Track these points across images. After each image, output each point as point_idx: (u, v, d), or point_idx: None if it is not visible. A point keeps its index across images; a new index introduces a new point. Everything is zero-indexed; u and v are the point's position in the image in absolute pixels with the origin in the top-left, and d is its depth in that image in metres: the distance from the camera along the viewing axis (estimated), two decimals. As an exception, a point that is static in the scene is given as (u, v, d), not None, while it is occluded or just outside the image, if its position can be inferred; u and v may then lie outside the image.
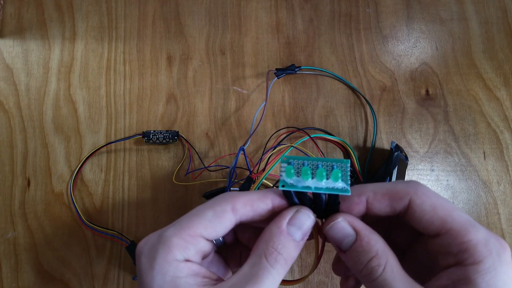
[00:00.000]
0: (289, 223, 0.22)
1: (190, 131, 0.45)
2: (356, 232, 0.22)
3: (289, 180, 0.22)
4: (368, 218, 0.24)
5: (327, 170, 0.22)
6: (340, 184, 0.22)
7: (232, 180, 0.40)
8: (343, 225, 0.22)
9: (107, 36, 0.48)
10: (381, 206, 0.23)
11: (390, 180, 0.40)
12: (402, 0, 0.50)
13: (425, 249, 0.24)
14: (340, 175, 0.22)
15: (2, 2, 0.48)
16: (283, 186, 0.22)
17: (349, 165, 0.22)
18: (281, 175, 0.22)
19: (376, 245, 0.22)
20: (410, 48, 0.49)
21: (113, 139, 0.45)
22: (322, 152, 0.43)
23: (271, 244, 0.22)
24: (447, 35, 0.49)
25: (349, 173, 0.22)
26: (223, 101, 0.46)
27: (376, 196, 0.23)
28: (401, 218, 0.23)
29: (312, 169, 0.22)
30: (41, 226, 0.42)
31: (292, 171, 0.22)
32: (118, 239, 0.42)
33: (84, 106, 0.45)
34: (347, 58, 0.48)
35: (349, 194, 0.22)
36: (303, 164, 0.22)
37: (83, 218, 0.42)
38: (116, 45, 0.47)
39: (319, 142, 0.45)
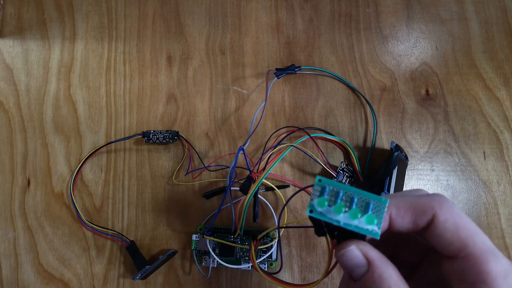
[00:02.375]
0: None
1: (190, 131, 0.45)
2: (369, 262, 0.21)
3: (319, 209, 0.21)
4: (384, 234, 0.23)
5: (361, 210, 0.21)
6: (371, 227, 0.21)
7: (232, 180, 0.40)
8: (355, 253, 0.21)
9: (107, 36, 0.48)
10: (404, 222, 0.21)
11: (390, 180, 0.40)
12: (402, 0, 0.50)
13: (437, 268, 0.23)
14: (375, 221, 0.20)
15: (2, 2, 0.48)
16: (311, 211, 0.21)
17: (387, 205, 0.21)
18: (312, 199, 0.21)
19: (389, 280, 0.20)
20: (410, 48, 0.49)
21: (113, 139, 0.45)
22: (322, 152, 0.43)
23: None
24: (447, 35, 0.49)
25: (383, 215, 0.21)
26: (223, 101, 0.46)
27: (399, 211, 0.21)
28: (418, 234, 0.22)
29: (346, 203, 0.21)
30: (41, 226, 0.42)
31: (326, 203, 0.21)
32: (118, 239, 0.42)
33: (84, 106, 0.45)
34: (347, 58, 0.48)
35: (378, 238, 0.21)
36: (338, 195, 0.21)
37: (83, 218, 0.42)
38: (116, 45, 0.47)
39: (319, 142, 0.45)
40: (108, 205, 0.43)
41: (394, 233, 0.22)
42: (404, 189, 0.41)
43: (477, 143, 0.46)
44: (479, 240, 0.20)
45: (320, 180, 0.21)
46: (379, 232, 0.21)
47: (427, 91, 0.47)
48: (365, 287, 0.21)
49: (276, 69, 0.45)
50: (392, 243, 0.25)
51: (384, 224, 0.21)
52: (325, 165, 0.42)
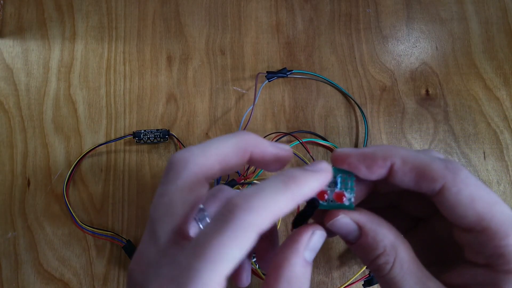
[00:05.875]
0: (306, 248, 0.19)
1: (190, 131, 0.45)
2: (360, 227, 0.20)
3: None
4: (382, 185, 0.21)
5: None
6: (345, 200, 0.21)
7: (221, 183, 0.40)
8: (345, 221, 0.20)
9: (107, 36, 0.48)
10: (405, 179, 0.19)
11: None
12: (402, 0, 0.50)
13: (447, 227, 0.21)
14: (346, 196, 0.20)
15: (2, 2, 0.48)
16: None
17: (353, 179, 0.20)
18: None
19: (384, 241, 0.19)
20: (410, 48, 0.49)
21: (113, 139, 0.45)
22: (313, 157, 0.43)
23: (294, 281, 0.19)
24: (447, 35, 0.49)
25: (353, 189, 0.20)
26: (223, 101, 0.46)
27: (404, 166, 0.19)
28: (425, 196, 0.20)
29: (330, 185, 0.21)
30: (41, 226, 0.42)
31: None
32: (115, 240, 0.42)
33: (84, 106, 0.45)
34: (347, 58, 0.48)
35: (353, 209, 0.20)
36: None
37: (77, 219, 0.42)
38: (116, 45, 0.47)
39: (311, 146, 0.45)
40: (108, 205, 0.43)
41: (397, 188, 0.21)
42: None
43: (477, 143, 0.46)
44: (499, 212, 0.18)
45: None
46: (352, 204, 0.20)
47: (427, 91, 0.47)
48: (361, 250, 0.20)
49: (267, 72, 0.45)
50: (396, 193, 0.23)
51: (383, 172, 0.20)
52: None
